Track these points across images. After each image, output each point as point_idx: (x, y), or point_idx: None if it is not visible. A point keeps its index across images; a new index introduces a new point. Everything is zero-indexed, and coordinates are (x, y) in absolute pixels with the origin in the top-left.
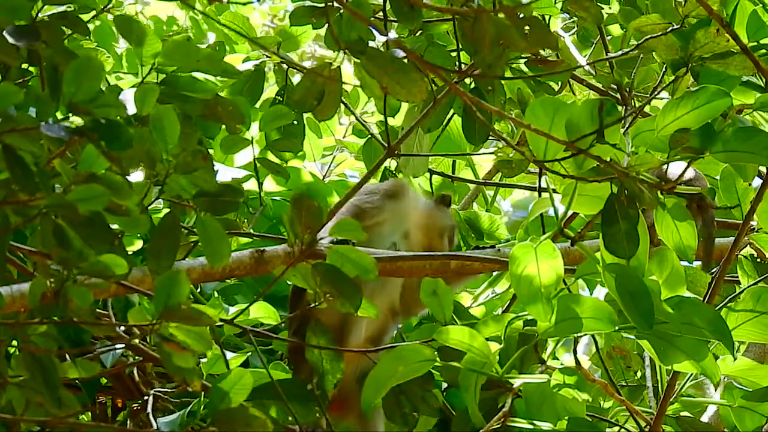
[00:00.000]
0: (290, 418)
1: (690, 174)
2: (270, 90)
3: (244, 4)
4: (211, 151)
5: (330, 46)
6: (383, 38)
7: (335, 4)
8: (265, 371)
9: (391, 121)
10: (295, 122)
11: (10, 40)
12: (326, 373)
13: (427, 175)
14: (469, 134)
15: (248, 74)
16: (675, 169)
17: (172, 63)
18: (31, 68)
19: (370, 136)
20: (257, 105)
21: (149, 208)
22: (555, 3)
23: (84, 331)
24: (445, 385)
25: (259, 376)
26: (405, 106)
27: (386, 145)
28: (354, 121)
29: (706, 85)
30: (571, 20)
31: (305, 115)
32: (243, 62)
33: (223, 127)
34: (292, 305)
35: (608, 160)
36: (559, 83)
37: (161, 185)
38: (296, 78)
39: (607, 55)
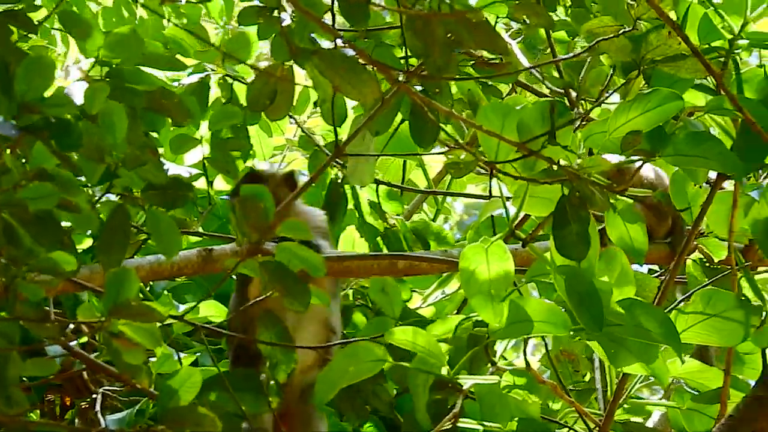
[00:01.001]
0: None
1: (652, 176)
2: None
3: (197, 2)
4: (161, 150)
5: (276, 55)
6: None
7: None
8: (215, 369)
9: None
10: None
11: None
12: (279, 363)
13: (374, 185)
14: (418, 136)
15: (192, 88)
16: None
17: (117, 55)
18: None
19: (316, 148)
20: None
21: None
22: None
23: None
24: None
25: (209, 374)
26: (351, 116)
27: (329, 154)
28: (306, 120)
29: (657, 87)
30: (517, 29)
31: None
32: (188, 75)
33: (170, 121)
34: (235, 302)
35: (559, 162)
36: (510, 86)
37: (111, 180)
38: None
39: (554, 59)
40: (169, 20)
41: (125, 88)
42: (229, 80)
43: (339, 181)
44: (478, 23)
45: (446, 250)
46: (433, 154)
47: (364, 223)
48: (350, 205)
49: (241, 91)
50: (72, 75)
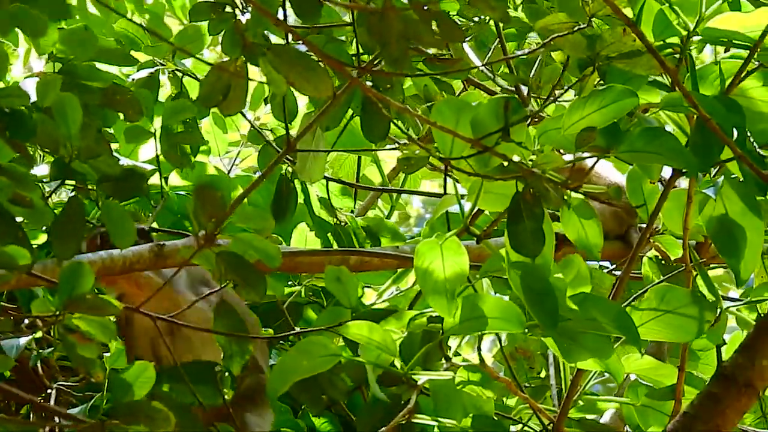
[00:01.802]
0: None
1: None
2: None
3: None
4: (116, 145)
5: (228, 51)
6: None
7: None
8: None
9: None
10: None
11: None
12: (234, 355)
13: (324, 182)
14: (368, 131)
15: (142, 82)
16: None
17: (70, 52)
18: None
19: (265, 143)
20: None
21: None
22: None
23: None
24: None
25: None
26: (302, 112)
27: (280, 150)
28: (261, 116)
29: (612, 84)
30: (467, 27)
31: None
32: (137, 70)
33: (122, 116)
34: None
35: (514, 158)
36: (462, 84)
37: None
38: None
39: (506, 57)
40: (131, 17)
41: (79, 84)
42: (179, 75)
43: (289, 176)
44: (437, 15)
45: (398, 246)
46: (386, 150)
47: (315, 218)
48: (301, 201)
49: (192, 86)
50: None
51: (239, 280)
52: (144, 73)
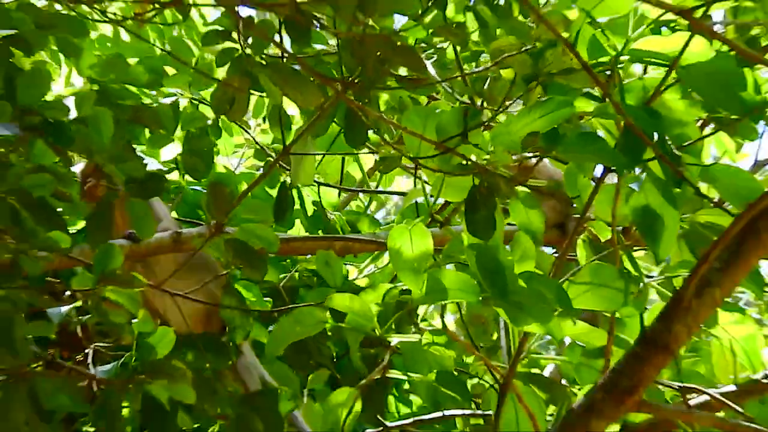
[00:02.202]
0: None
1: (556, 174)
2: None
3: (169, 25)
4: (143, 147)
5: (234, 71)
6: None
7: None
8: None
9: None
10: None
11: None
12: (237, 327)
13: (315, 187)
14: (349, 138)
15: (166, 107)
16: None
17: (104, 75)
18: None
19: (267, 156)
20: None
21: None
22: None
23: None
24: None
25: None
26: (297, 124)
27: (273, 156)
28: (262, 123)
29: (553, 96)
30: (431, 50)
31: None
32: (165, 97)
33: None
34: None
35: (471, 157)
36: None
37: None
38: None
39: (462, 73)
40: (154, 43)
41: (111, 102)
42: (195, 102)
43: (287, 186)
44: (402, 44)
45: (375, 233)
46: (365, 153)
47: (308, 218)
48: (297, 205)
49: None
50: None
51: (244, 262)
52: (167, 100)
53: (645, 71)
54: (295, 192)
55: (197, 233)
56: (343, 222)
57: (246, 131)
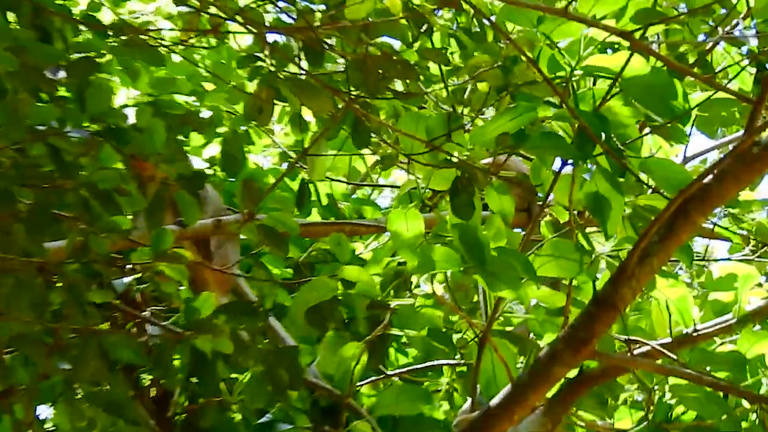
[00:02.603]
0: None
1: (522, 167)
2: None
3: (209, 49)
4: (188, 148)
5: (262, 84)
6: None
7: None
8: None
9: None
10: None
11: (50, 76)
12: (266, 296)
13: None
14: (356, 140)
15: (208, 120)
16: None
17: (158, 90)
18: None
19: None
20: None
21: None
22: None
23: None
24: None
25: None
26: (313, 129)
27: (293, 157)
28: (280, 130)
29: (520, 102)
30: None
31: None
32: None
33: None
34: None
35: (454, 153)
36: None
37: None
38: None
39: (446, 86)
40: (197, 63)
41: (162, 112)
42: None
43: (306, 182)
44: (399, 60)
45: (377, 218)
46: (369, 155)
47: (322, 207)
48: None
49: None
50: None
51: (271, 243)
52: (207, 113)
53: (594, 83)
54: (311, 185)
55: (234, 220)
56: (351, 209)
57: (270, 136)
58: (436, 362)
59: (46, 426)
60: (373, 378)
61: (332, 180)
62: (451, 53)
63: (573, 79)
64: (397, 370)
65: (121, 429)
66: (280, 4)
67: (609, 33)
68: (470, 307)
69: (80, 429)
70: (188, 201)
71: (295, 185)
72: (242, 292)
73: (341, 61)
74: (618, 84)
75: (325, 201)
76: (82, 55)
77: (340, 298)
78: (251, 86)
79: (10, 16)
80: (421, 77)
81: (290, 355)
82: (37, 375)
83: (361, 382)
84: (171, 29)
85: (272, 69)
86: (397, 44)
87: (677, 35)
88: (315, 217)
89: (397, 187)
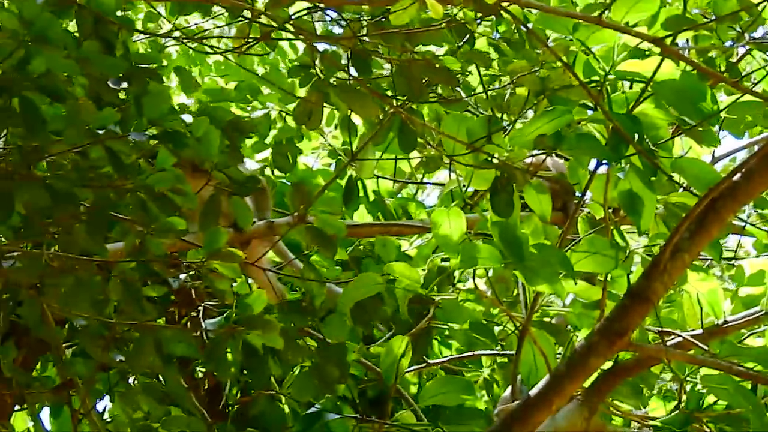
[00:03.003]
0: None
1: (560, 166)
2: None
3: (261, 56)
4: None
5: (312, 89)
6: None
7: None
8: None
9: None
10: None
11: (112, 86)
12: (316, 295)
13: (374, 179)
14: (402, 144)
15: (259, 120)
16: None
17: (210, 99)
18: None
19: (338, 156)
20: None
21: None
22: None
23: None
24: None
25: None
26: (360, 131)
27: (346, 156)
28: (329, 133)
29: (556, 106)
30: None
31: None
32: (254, 111)
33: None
34: None
35: (494, 155)
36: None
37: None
38: None
39: (484, 89)
40: (249, 69)
41: (216, 119)
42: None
43: (354, 179)
44: (440, 67)
45: (422, 219)
46: (413, 158)
47: (370, 203)
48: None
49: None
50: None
51: (320, 245)
52: (260, 112)
53: (631, 86)
54: (359, 183)
55: (285, 222)
56: (396, 205)
57: (322, 135)
58: (477, 352)
59: (107, 416)
60: (416, 367)
61: (379, 178)
62: (492, 59)
63: (607, 83)
64: (440, 360)
65: (175, 419)
66: (329, 13)
67: (641, 39)
68: (510, 300)
69: (136, 419)
70: (241, 205)
71: (343, 183)
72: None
73: (387, 66)
74: (650, 87)
75: (372, 197)
76: (142, 66)
77: (384, 296)
78: (302, 92)
79: (72, 27)
80: (462, 83)
81: (338, 352)
82: (96, 367)
83: (406, 370)
84: (224, 37)
85: (321, 76)
86: (438, 50)
87: (706, 41)
88: (362, 213)
89: (441, 184)
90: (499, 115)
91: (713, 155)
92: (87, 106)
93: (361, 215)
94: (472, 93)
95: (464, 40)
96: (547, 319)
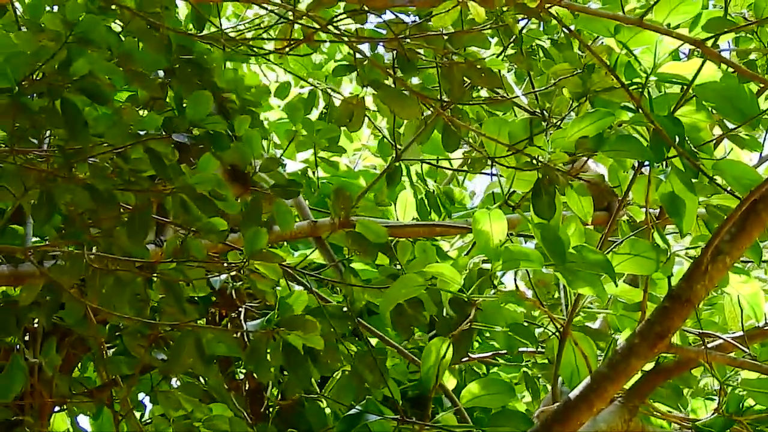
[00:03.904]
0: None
1: (600, 169)
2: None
3: (304, 55)
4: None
5: (359, 83)
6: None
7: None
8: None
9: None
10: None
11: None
12: (356, 300)
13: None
14: (446, 143)
15: (304, 97)
16: (589, 164)
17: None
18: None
19: (383, 137)
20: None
21: None
22: (501, 59)
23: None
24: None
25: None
26: (403, 126)
27: (395, 147)
28: (369, 134)
29: (598, 108)
30: (512, 66)
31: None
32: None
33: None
34: None
35: (536, 156)
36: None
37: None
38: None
39: (533, 89)
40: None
41: (256, 121)
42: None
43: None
44: (483, 69)
45: (466, 219)
46: (456, 159)
47: (413, 187)
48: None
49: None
50: None
51: (361, 249)
52: (306, 89)
53: (681, 89)
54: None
55: (329, 222)
56: (441, 193)
57: (372, 123)
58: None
59: (146, 417)
60: (458, 361)
61: (422, 162)
62: (535, 60)
63: (648, 85)
64: (479, 355)
65: (217, 418)
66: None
67: (682, 42)
68: (551, 302)
69: (177, 418)
70: (284, 208)
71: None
72: None
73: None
74: (691, 90)
75: (414, 179)
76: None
77: (423, 301)
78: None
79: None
80: (504, 85)
81: (376, 358)
82: (137, 367)
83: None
84: (267, 38)
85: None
86: (483, 53)
87: (747, 43)
88: (404, 199)
89: (485, 173)
90: (541, 117)
91: (760, 156)
92: (128, 109)
93: (403, 201)
94: (515, 95)
95: (509, 42)
96: (588, 322)
